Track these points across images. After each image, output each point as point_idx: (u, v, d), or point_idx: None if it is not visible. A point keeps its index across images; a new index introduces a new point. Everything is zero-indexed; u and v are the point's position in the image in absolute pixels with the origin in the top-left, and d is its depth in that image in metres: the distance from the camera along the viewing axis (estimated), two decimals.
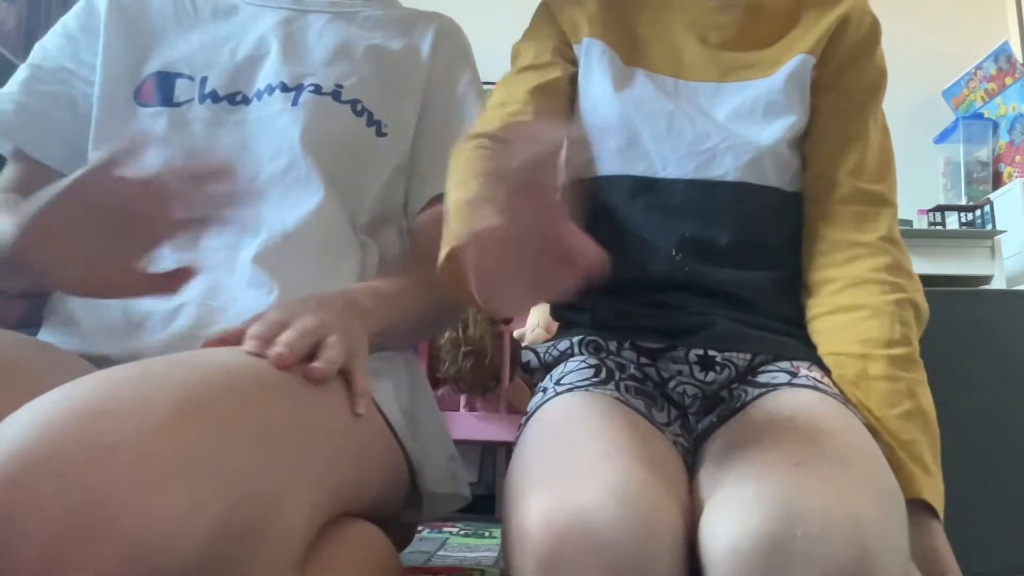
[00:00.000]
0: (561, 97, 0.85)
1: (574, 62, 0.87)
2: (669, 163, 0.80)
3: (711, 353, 0.74)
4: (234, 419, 0.52)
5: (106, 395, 0.47)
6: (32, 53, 0.89)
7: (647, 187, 0.80)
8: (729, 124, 0.81)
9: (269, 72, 0.86)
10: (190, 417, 0.49)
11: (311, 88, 0.85)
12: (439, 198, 0.86)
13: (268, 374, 0.60)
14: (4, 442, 0.43)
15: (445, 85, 0.94)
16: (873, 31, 0.84)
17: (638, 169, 0.80)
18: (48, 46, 0.89)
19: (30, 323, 0.79)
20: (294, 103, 0.84)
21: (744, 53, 0.84)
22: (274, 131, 0.83)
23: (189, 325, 0.73)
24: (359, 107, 0.87)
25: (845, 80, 0.83)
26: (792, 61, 0.82)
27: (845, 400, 0.69)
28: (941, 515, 0.69)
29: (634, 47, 0.87)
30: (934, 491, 0.69)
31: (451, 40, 0.97)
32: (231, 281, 0.76)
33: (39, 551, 0.41)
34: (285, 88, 0.85)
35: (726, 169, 0.78)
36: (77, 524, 0.41)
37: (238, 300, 0.75)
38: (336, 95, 0.86)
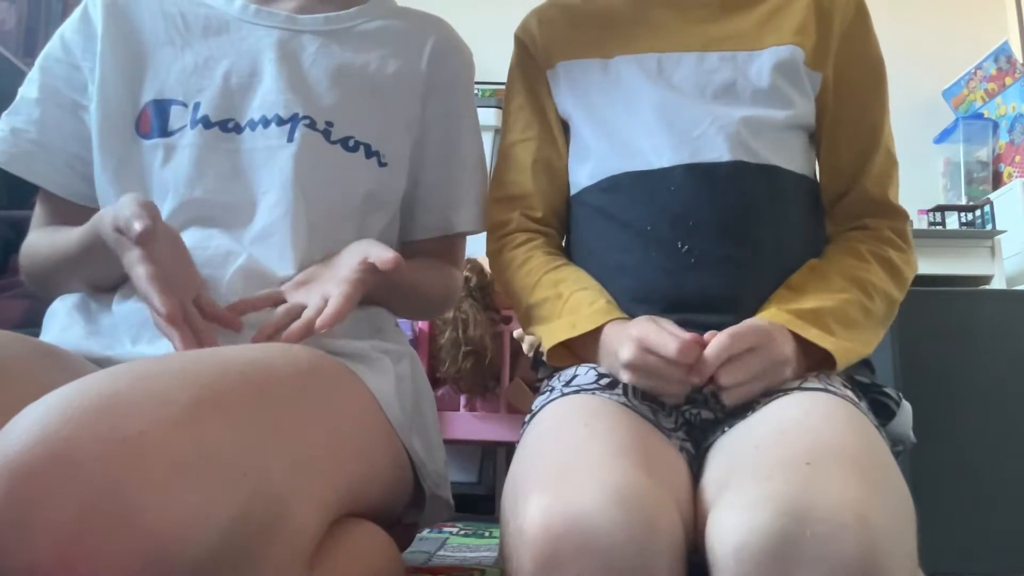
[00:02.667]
0: (556, 169, 0.92)
1: (556, 114, 0.92)
2: (664, 152, 0.80)
3: None
4: (248, 417, 0.53)
5: (123, 389, 0.48)
6: (38, 75, 0.85)
7: (645, 180, 0.80)
8: (717, 104, 0.82)
9: (263, 102, 0.83)
10: (206, 413, 0.49)
11: (306, 122, 0.83)
12: (450, 238, 0.94)
13: (279, 374, 0.60)
14: (22, 433, 0.43)
15: (442, 113, 0.93)
16: (861, 12, 0.86)
17: (635, 164, 0.81)
18: (57, 73, 0.85)
19: (30, 323, 0.79)
20: (289, 139, 0.82)
21: (724, 24, 0.86)
22: (266, 167, 0.81)
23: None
24: (351, 143, 0.85)
25: (844, 75, 0.85)
26: (778, 49, 0.83)
27: (855, 402, 0.69)
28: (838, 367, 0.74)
29: (613, 37, 0.89)
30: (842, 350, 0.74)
31: (448, 58, 0.94)
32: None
33: (56, 542, 0.41)
34: (280, 121, 0.83)
35: (720, 150, 0.79)
36: (94, 516, 0.41)
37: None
38: (327, 133, 0.84)
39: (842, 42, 0.84)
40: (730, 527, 0.52)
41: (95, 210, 0.78)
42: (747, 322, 0.71)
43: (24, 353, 0.65)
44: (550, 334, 0.80)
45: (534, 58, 0.93)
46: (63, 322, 0.77)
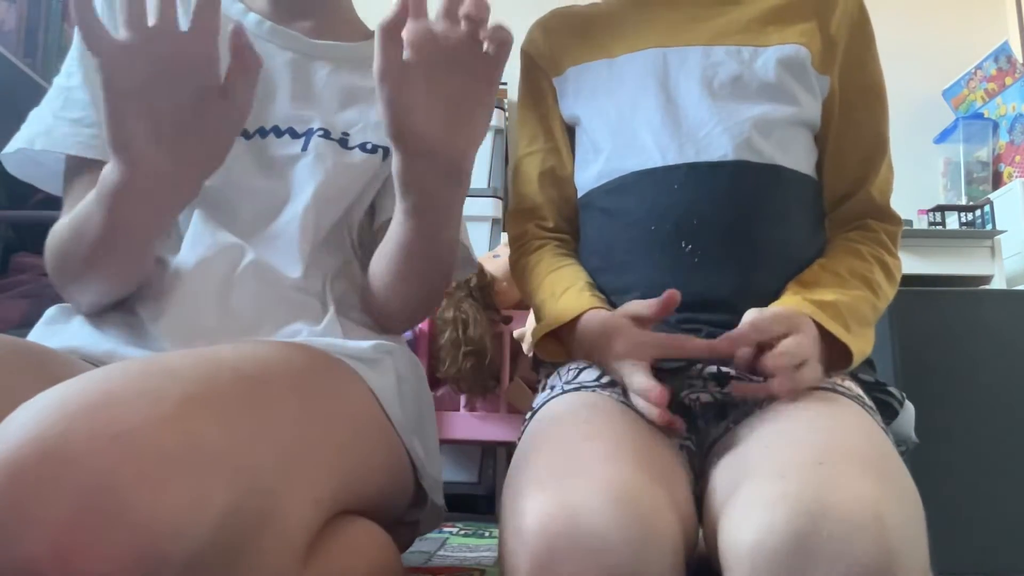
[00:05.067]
0: (562, 179, 0.93)
1: (561, 123, 0.94)
2: (669, 151, 0.81)
3: (724, 369, 0.74)
4: (240, 412, 0.53)
5: (116, 386, 0.48)
6: (77, 65, 0.81)
7: (650, 179, 0.81)
8: (723, 101, 0.82)
9: (277, 115, 0.85)
10: (198, 408, 0.49)
11: (320, 133, 0.84)
12: None
13: (274, 371, 0.60)
14: (17, 430, 0.44)
15: None
16: (864, 19, 0.87)
17: (641, 162, 0.82)
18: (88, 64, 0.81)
19: (29, 324, 0.79)
20: (303, 148, 0.83)
21: (728, 21, 0.87)
22: (280, 173, 0.82)
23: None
24: (369, 146, 0.86)
25: (850, 81, 0.86)
26: (783, 47, 0.84)
27: (863, 401, 0.69)
28: (852, 365, 0.74)
29: (617, 38, 0.90)
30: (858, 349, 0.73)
31: None
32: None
33: (48, 538, 0.41)
34: (295, 134, 0.84)
35: (725, 150, 0.79)
36: (86, 512, 0.42)
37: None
38: (343, 142, 0.85)
39: (847, 48, 0.85)
40: (745, 527, 0.52)
41: None
42: (776, 308, 0.70)
43: (10, 355, 0.65)
44: (538, 332, 0.83)
45: (540, 68, 0.95)
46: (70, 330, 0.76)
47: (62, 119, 0.78)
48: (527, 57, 0.97)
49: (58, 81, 0.82)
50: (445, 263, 0.81)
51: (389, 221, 0.85)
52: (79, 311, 0.77)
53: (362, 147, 0.86)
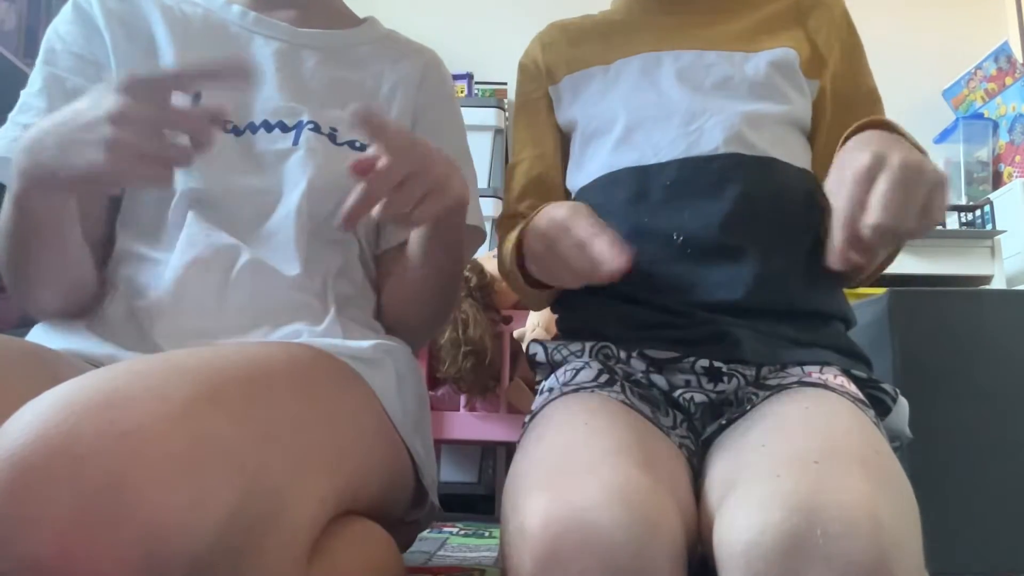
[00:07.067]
0: (554, 185, 0.95)
1: (556, 130, 0.96)
2: (661, 148, 0.82)
3: (716, 364, 0.74)
4: (246, 412, 0.53)
5: (122, 385, 0.48)
6: (39, 70, 0.82)
7: (642, 175, 0.81)
8: (715, 98, 0.83)
9: (265, 108, 0.84)
10: (204, 408, 0.50)
11: (310, 127, 0.84)
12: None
13: (279, 371, 0.61)
14: (24, 427, 0.44)
15: (429, 129, 0.93)
16: (851, 31, 0.89)
17: (631, 159, 0.83)
18: (60, 64, 0.82)
19: (29, 323, 0.79)
20: (295, 143, 0.83)
21: (720, 29, 0.89)
22: (272, 169, 0.82)
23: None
24: (357, 144, 0.86)
25: (841, 89, 0.87)
26: (773, 51, 0.86)
27: (855, 398, 0.69)
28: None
29: (613, 46, 0.92)
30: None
31: (438, 84, 0.97)
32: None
33: (56, 535, 0.41)
34: (285, 128, 0.84)
35: (716, 143, 0.80)
36: (91, 510, 0.42)
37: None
38: (332, 137, 0.86)
39: (838, 61, 0.87)
40: (740, 526, 0.52)
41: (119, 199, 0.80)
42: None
43: (11, 354, 0.65)
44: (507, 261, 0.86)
45: (536, 80, 0.97)
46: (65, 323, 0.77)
47: (15, 123, 0.80)
48: (523, 70, 0.99)
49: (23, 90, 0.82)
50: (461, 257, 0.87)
51: (399, 247, 0.88)
52: (39, 319, 0.78)
53: (351, 144, 0.86)
